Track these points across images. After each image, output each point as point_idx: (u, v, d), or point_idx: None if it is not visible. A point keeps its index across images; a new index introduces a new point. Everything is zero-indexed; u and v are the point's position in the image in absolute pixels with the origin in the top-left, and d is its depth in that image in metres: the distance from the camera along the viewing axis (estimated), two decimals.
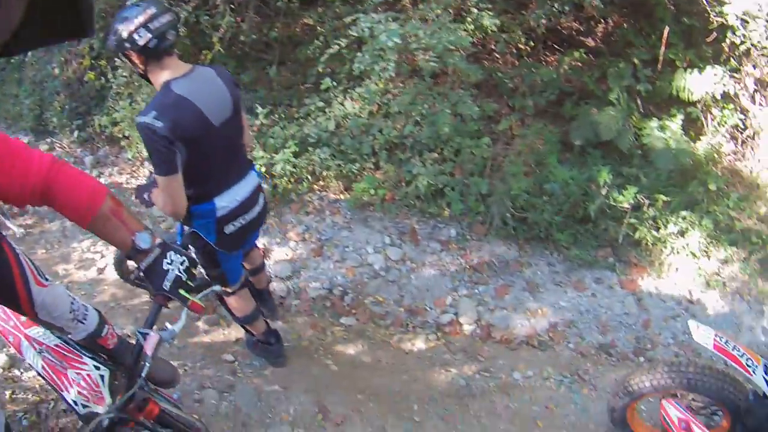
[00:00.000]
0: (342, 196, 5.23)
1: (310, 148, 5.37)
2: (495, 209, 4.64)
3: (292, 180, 5.27)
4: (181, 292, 2.03)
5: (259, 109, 5.45)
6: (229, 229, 2.94)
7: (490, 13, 4.95)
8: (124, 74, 5.78)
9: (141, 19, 2.51)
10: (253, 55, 6.14)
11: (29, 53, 7.39)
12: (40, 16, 0.78)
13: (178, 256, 2.05)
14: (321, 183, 5.32)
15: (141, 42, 2.53)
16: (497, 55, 6.00)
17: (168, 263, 2.02)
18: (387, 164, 5.23)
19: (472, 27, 5.12)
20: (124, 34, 2.52)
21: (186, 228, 3.04)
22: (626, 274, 4.63)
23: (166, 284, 2.01)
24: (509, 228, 4.76)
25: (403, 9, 5.47)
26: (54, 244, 5.04)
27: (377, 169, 5.32)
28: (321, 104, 5.68)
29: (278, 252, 4.73)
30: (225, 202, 2.90)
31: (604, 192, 4.52)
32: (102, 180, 6.02)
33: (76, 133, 6.68)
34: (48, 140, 7.04)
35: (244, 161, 3.02)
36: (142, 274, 2.02)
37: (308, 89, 5.86)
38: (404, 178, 5.11)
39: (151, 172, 2.94)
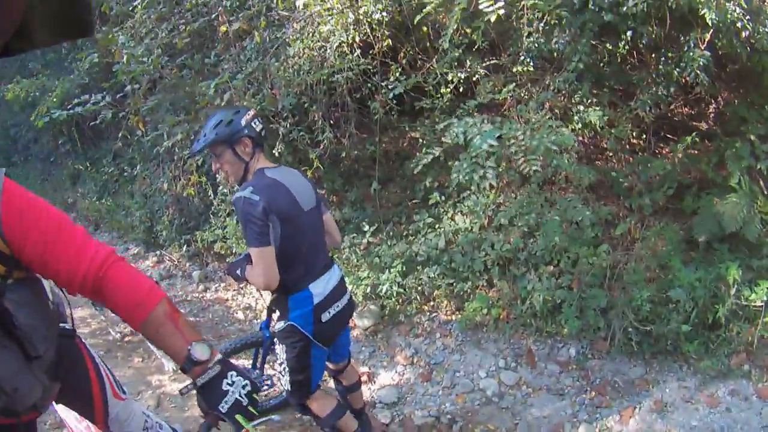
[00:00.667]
0: (453, 317, 6.08)
1: (418, 267, 6.30)
2: (616, 323, 5.21)
3: (399, 301, 6.20)
4: (239, 417, 2.16)
5: (366, 227, 6.37)
6: (326, 317, 3.59)
7: (596, 108, 5.60)
8: (225, 191, 7.04)
9: (251, 112, 3.53)
10: (361, 172, 7.17)
11: (138, 166, 8.90)
12: (40, 17, 0.89)
13: (241, 378, 2.20)
14: (431, 303, 6.17)
15: (257, 128, 3.51)
16: (609, 153, 6.77)
17: (228, 383, 2.16)
18: (500, 281, 6.04)
19: (579, 125, 5.93)
20: (243, 122, 3.44)
21: (276, 322, 3.71)
22: (764, 381, 4.93)
23: (224, 406, 2.15)
24: (633, 343, 5.27)
25: (502, 112, 6.36)
26: (151, 354, 6.17)
27: (490, 287, 6.15)
28: (430, 220, 6.67)
29: (384, 376, 5.60)
30: (320, 288, 3.59)
31: (733, 291, 4.99)
32: (208, 295, 7.35)
33: (184, 248, 8.01)
34: (157, 253, 8.51)
35: (327, 254, 3.81)
36: (195, 390, 2.18)
37: (416, 205, 6.92)
38: (519, 295, 5.87)
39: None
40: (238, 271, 3.57)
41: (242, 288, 7.36)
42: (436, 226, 6.59)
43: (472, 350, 5.70)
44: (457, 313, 6.11)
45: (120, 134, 7.72)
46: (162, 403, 5.71)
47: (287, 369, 3.73)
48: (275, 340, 3.75)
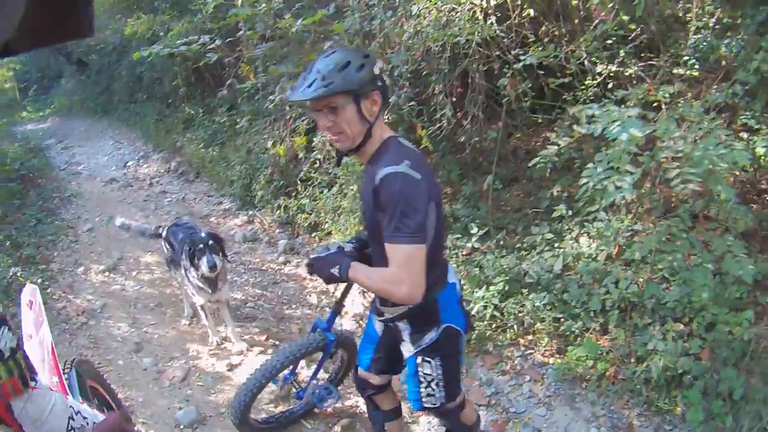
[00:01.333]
0: (551, 360, 5.39)
1: (524, 290, 5.62)
2: (746, 423, 4.08)
3: (492, 326, 5.60)
4: None
5: (474, 230, 5.67)
6: (464, 304, 3.24)
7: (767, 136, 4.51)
8: (318, 156, 6.73)
9: (380, 61, 2.81)
10: (483, 166, 6.29)
11: (245, 119, 8.82)
12: (41, 17, 0.89)
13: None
14: (529, 338, 5.56)
15: (386, 80, 2.80)
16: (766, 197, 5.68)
17: None
18: (617, 329, 5.23)
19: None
20: (376, 70, 2.72)
21: (415, 336, 3.16)
22: None
23: None
24: None
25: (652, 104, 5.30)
26: (200, 321, 6.01)
27: (604, 334, 5.36)
28: (550, 236, 5.96)
29: None
30: (452, 276, 3.17)
31: None
32: (286, 269, 7.05)
33: (277, 213, 7.80)
34: (249, 213, 8.30)
35: None
36: None
37: (537, 215, 6.26)
38: (635, 351, 5.03)
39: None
40: (335, 270, 2.93)
41: None
42: (556, 244, 5.89)
43: (562, 407, 5.01)
44: (557, 356, 5.40)
45: (228, 82, 7.57)
46: (189, 378, 5.52)
47: (443, 383, 3.27)
48: (418, 359, 3.21)
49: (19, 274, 7.07)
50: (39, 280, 7.23)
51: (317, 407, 4.84)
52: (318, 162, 6.87)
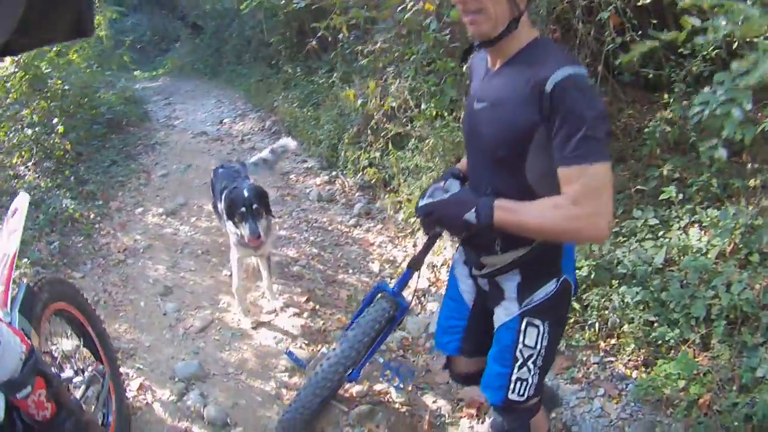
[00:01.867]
0: (634, 374, 4.34)
1: (614, 282, 4.64)
2: None
3: (570, 320, 4.64)
4: None
5: None
6: None
7: None
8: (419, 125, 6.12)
9: None
10: None
11: (335, 74, 8.71)
12: (40, 17, 0.92)
13: None
14: (612, 341, 4.61)
15: None
16: None
17: None
18: (721, 345, 4.14)
19: None
20: None
21: (525, 292, 2.62)
22: None
23: None
24: None
25: None
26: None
27: (704, 349, 4.28)
28: (654, 222, 4.93)
29: None
30: None
31: None
32: (354, 232, 6.60)
33: (359, 175, 7.35)
34: (333, 173, 8.00)
35: None
36: None
37: (642, 197, 5.20)
38: (739, 377, 3.94)
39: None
40: (470, 216, 2.31)
41: (395, 237, 6.25)
42: (660, 233, 4.85)
43: None
44: (643, 370, 4.33)
45: (319, 33, 7.08)
46: (208, 330, 5.12)
47: (541, 363, 2.69)
48: (523, 322, 2.61)
49: (71, 206, 6.83)
50: (91, 215, 7.02)
51: (396, 391, 4.17)
52: (393, 111, 6.41)
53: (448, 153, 6.00)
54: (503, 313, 2.68)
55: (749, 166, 4.95)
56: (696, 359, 4.13)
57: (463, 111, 5.49)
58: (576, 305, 4.61)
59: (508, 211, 2.23)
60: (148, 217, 7.27)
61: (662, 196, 4.83)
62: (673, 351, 4.22)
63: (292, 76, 11.67)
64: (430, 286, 5.44)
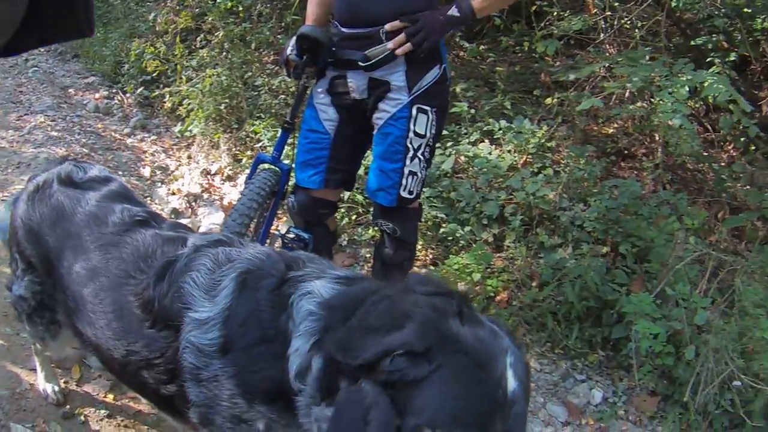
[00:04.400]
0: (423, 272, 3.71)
1: None
2: (703, 376, 2.83)
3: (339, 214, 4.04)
4: None
5: None
6: None
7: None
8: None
9: None
10: None
11: None
12: (40, 17, 0.91)
13: None
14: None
15: None
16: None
17: None
18: (517, 245, 3.67)
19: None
20: None
21: (415, 78, 2.67)
22: None
23: None
24: (701, 420, 2.93)
25: None
26: None
27: (498, 250, 3.80)
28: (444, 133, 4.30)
29: None
30: None
31: None
32: (128, 140, 6.14)
33: (139, 90, 6.89)
34: (113, 90, 7.45)
35: None
36: None
37: None
38: (539, 274, 3.51)
39: None
40: (453, 11, 2.53)
41: (172, 149, 5.78)
42: (449, 144, 4.36)
43: None
44: (432, 269, 3.74)
45: None
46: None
47: (428, 155, 2.80)
48: (413, 109, 2.67)
49: None
50: None
51: None
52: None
53: (235, 48, 5.39)
54: (390, 105, 2.68)
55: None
56: (491, 255, 3.55)
57: None
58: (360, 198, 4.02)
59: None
60: None
61: (454, 110, 4.29)
62: (465, 249, 3.65)
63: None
64: (203, 191, 4.91)
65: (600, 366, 3.28)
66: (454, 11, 2.51)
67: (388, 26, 2.55)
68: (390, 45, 2.55)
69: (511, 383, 1.20)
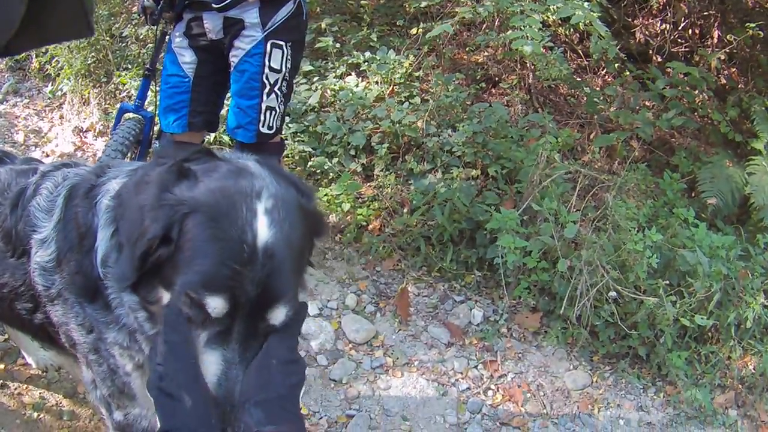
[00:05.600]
0: None
1: None
2: (582, 287, 2.82)
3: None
4: None
5: None
6: None
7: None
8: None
9: None
10: None
11: None
12: (40, 17, 0.93)
13: None
14: None
15: None
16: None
17: None
18: (386, 173, 3.60)
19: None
20: None
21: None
22: None
23: None
24: (583, 332, 2.98)
25: None
26: None
27: (367, 180, 3.71)
28: (309, 68, 4.29)
29: None
30: None
31: None
32: (0, 108, 5.70)
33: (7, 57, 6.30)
34: None
35: None
36: None
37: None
38: (409, 201, 3.44)
39: None
40: None
41: (46, 109, 5.40)
42: (315, 79, 4.19)
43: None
44: None
45: None
46: None
47: (285, 90, 2.76)
48: (267, 44, 2.65)
49: None
50: None
51: None
52: None
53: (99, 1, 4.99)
54: (245, 42, 2.64)
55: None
56: (359, 184, 3.45)
57: None
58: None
59: None
60: None
61: (318, 45, 4.13)
62: (333, 181, 3.49)
63: None
64: (76, 150, 4.74)
65: (478, 286, 3.24)
66: None
67: None
68: None
69: (263, 233, 1.14)
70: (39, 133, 5.33)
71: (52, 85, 5.53)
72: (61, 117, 5.40)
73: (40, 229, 1.50)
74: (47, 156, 4.73)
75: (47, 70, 5.59)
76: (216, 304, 1.13)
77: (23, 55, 6.00)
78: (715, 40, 4.88)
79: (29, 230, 1.51)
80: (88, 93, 4.85)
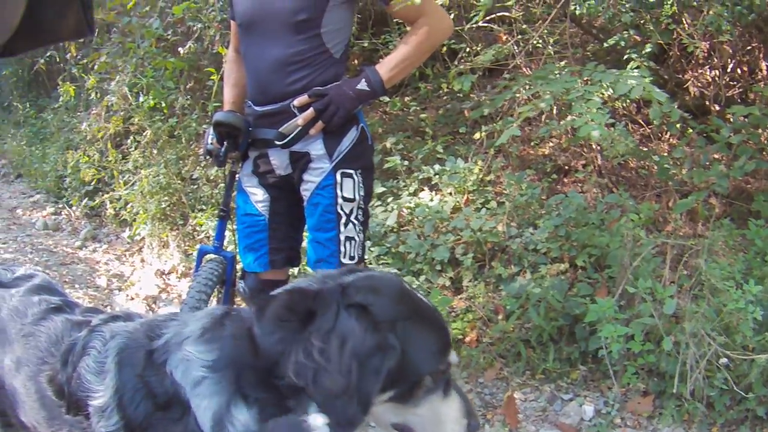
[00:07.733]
0: None
1: None
2: (692, 360, 2.54)
3: None
4: None
5: None
6: None
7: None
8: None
9: None
10: None
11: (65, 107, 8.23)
12: (39, 18, 0.90)
13: None
14: None
15: None
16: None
17: None
18: (475, 283, 3.57)
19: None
20: None
21: (330, 142, 2.57)
22: None
23: None
24: (699, 406, 2.83)
25: None
26: None
27: (457, 293, 3.68)
28: (381, 190, 4.40)
29: None
30: None
31: None
32: (81, 253, 6.16)
33: (85, 201, 6.88)
34: (59, 205, 7.51)
35: None
36: None
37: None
38: (503, 307, 3.40)
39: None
40: (362, 85, 2.46)
41: (124, 254, 5.78)
42: (389, 200, 4.28)
43: None
44: None
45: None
46: None
47: (362, 216, 2.64)
48: (337, 174, 2.57)
49: None
50: None
51: None
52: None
53: (165, 146, 5.35)
54: (314, 175, 2.57)
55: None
56: (452, 299, 3.46)
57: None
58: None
59: (388, 66, 2.44)
60: None
61: (387, 166, 4.28)
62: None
63: (23, 115, 10.57)
64: (160, 292, 4.83)
65: (585, 381, 3.10)
66: (363, 85, 2.43)
67: (296, 102, 2.45)
68: (300, 121, 2.47)
69: None
70: (121, 277, 5.50)
71: (129, 230, 5.78)
72: (142, 260, 5.58)
73: (94, 395, 1.44)
74: (132, 299, 4.82)
75: (122, 215, 5.85)
76: (453, 358, 1.30)
77: (97, 202, 6.48)
78: (765, 72, 4.73)
79: (83, 395, 1.46)
80: (166, 236, 5.03)
